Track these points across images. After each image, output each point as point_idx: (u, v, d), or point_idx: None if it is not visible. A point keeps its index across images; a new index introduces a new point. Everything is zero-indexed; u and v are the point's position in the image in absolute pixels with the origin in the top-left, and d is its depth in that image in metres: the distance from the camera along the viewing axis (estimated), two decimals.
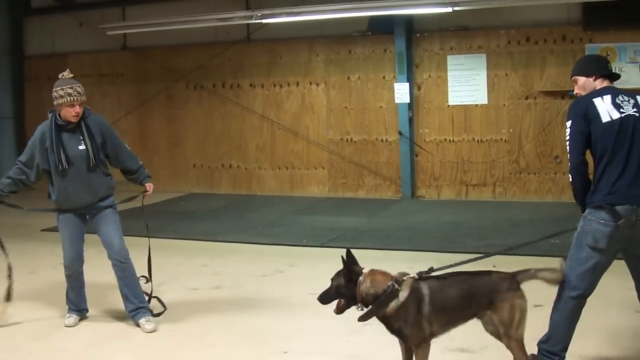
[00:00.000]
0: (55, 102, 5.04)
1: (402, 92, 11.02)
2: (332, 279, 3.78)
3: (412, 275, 3.76)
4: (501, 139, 10.87)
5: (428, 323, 3.66)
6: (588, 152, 3.95)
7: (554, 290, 4.03)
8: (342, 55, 11.67)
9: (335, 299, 3.78)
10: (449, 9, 9.62)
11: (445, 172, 11.24)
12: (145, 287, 5.48)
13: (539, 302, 4.61)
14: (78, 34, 13.08)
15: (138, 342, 4.99)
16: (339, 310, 3.78)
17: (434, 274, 3.82)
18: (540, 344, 4.03)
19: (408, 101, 11.05)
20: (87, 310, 5.42)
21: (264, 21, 10.84)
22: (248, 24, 11.66)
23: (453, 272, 3.88)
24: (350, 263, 3.74)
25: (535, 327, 4.08)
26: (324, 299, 3.80)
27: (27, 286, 6.47)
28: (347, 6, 10.19)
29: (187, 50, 12.47)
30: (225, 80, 12.42)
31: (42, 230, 9.25)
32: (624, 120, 3.82)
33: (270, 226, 9.26)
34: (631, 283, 4.14)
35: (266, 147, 12.27)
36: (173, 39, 12.23)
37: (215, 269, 7.08)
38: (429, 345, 3.70)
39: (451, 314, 3.74)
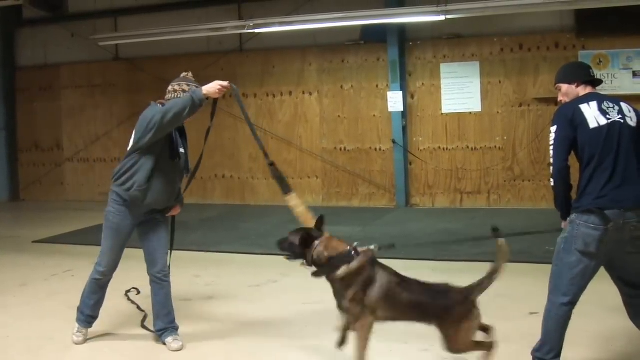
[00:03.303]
0: (173, 95, 4.89)
1: (395, 101, 11.02)
2: (290, 234, 4.06)
3: (372, 248, 3.96)
4: (495, 147, 10.87)
5: (374, 306, 3.82)
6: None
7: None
8: (335, 64, 11.67)
9: (285, 251, 4.05)
10: (442, 17, 9.63)
11: (440, 180, 11.22)
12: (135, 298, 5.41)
13: (534, 310, 4.58)
14: (70, 44, 13.08)
15: (126, 352, 4.93)
16: (289, 258, 4.07)
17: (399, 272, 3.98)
18: (534, 352, 4.00)
19: (401, 110, 11.05)
20: (95, 319, 5.12)
21: (257, 31, 10.83)
22: (241, 34, 11.66)
23: (416, 279, 3.98)
24: (310, 233, 3.98)
25: (532, 336, 4.05)
26: (280, 245, 4.09)
27: (18, 299, 6.40)
28: (340, 15, 10.19)
29: (180, 61, 12.38)
30: None
31: (34, 242, 9.19)
32: (611, 126, 3.87)
33: (264, 236, 9.21)
34: None
35: (259, 157, 12.20)
36: (165, 50, 12.21)
37: (208, 280, 7.02)
38: (369, 323, 3.82)
39: (402, 312, 3.88)
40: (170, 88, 4.94)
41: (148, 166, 4.71)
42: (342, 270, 3.85)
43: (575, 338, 4.01)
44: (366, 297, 3.82)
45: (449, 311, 3.81)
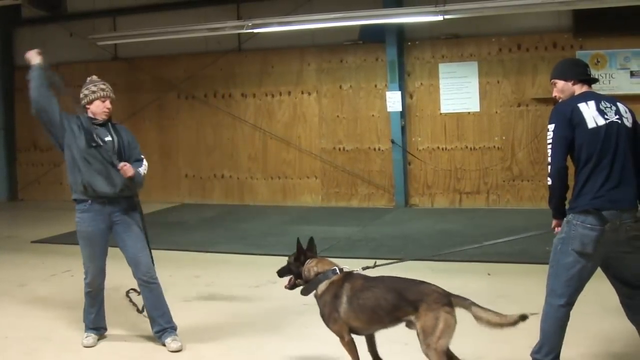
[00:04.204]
0: (86, 99, 4.98)
1: (394, 101, 11.02)
2: (288, 257, 4.32)
3: (347, 271, 4.14)
4: (494, 147, 10.87)
5: (346, 318, 3.98)
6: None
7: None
8: (333, 64, 11.66)
9: (288, 275, 4.31)
10: (440, 17, 9.62)
11: (439, 180, 11.22)
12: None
13: (534, 310, 4.58)
14: (69, 44, 13.03)
15: (125, 352, 4.92)
16: (289, 286, 4.31)
17: (369, 273, 4.15)
18: (533, 354, 4.01)
19: (400, 109, 11.05)
20: (105, 329, 5.21)
21: (255, 31, 10.82)
22: (239, 34, 11.65)
23: (389, 276, 4.07)
24: (304, 248, 4.25)
25: (532, 336, 4.05)
26: (280, 273, 4.37)
27: (17, 299, 6.39)
28: (338, 15, 10.18)
29: (178, 60, 12.44)
30: (217, 90, 12.39)
31: (33, 242, 9.18)
32: (609, 126, 3.87)
33: (263, 236, 9.21)
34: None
35: (258, 157, 12.23)
36: (164, 49, 12.20)
37: (207, 280, 7.02)
38: (346, 337, 4.01)
39: (373, 314, 3.93)
40: (81, 95, 5.03)
41: (74, 161, 4.87)
42: (321, 287, 4.08)
43: (575, 338, 4.01)
44: (338, 312, 3.99)
45: (426, 296, 3.78)
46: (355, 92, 11.57)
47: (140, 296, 5.27)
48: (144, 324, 5.32)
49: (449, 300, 3.79)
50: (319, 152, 11.82)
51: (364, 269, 4.20)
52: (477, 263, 7.06)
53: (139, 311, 5.49)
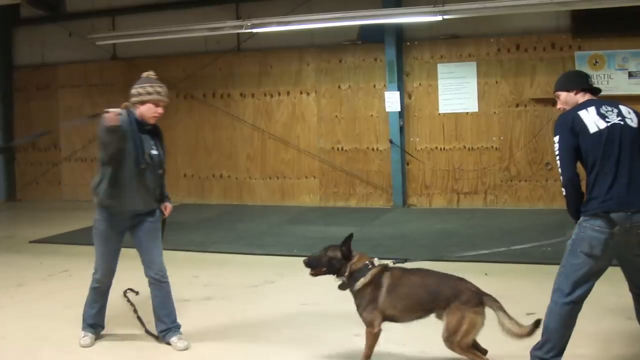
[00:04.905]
0: (138, 98, 4.68)
1: (392, 101, 11.02)
2: (327, 249, 4.32)
3: (383, 264, 4.29)
4: (492, 147, 10.89)
5: (383, 308, 4.13)
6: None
7: (546, 299, 4.01)
8: (332, 65, 11.67)
9: (322, 267, 4.31)
10: (439, 18, 9.65)
11: (437, 181, 11.23)
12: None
13: (531, 310, 4.60)
14: (67, 44, 13.04)
15: (123, 352, 4.93)
16: (316, 274, 4.34)
17: (406, 265, 4.32)
18: (534, 351, 4.01)
19: (399, 110, 11.05)
20: (102, 328, 5.18)
21: (254, 30, 10.84)
22: (238, 34, 11.67)
23: (426, 269, 4.33)
24: (351, 248, 4.29)
25: (532, 337, 4.05)
26: (311, 263, 4.34)
27: (15, 299, 6.39)
28: (337, 15, 10.20)
29: (177, 60, 12.44)
30: (216, 90, 12.39)
31: (31, 242, 9.18)
32: (611, 129, 3.88)
33: (261, 236, 9.22)
34: (623, 290, 4.14)
35: (257, 157, 12.24)
36: (163, 49, 12.21)
37: (206, 280, 7.02)
38: (376, 328, 4.14)
39: (408, 303, 4.15)
40: (134, 91, 4.75)
41: (110, 176, 4.70)
42: (360, 283, 4.18)
43: (573, 338, 4.01)
44: (377, 302, 4.13)
45: (458, 294, 4.00)
46: (354, 92, 11.58)
47: (138, 297, 5.29)
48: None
49: (480, 300, 3.99)
50: (317, 152, 11.83)
51: (395, 262, 4.35)
52: (475, 263, 7.05)
53: (136, 312, 5.50)
